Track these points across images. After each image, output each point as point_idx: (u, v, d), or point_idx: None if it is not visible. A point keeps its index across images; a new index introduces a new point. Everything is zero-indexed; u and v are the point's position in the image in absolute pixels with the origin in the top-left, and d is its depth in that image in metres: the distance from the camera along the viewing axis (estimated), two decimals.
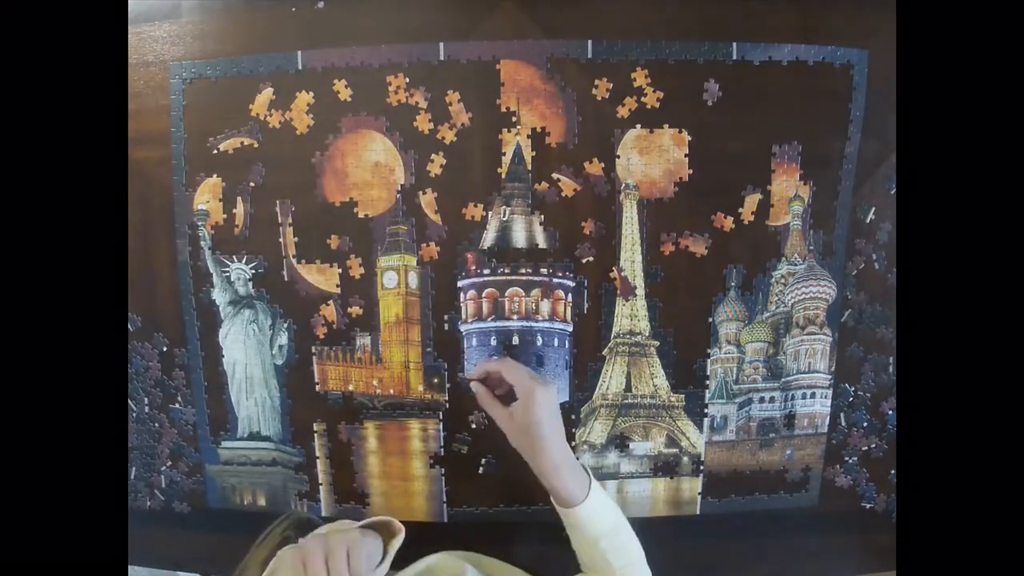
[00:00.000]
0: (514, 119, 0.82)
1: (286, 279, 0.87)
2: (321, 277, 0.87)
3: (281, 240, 0.86)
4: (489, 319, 0.87)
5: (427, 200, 0.84)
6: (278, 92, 0.83)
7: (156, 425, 0.92)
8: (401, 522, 0.67)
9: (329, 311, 0.87)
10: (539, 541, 0.84)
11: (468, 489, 0.90)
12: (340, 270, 0.86)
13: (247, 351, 0.89)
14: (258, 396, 0.90)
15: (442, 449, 0.90)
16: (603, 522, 0.71)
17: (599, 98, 0.82)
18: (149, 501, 0.95)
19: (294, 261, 0.86)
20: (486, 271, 0.85)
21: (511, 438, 0.73)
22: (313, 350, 0.88)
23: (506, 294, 0.86)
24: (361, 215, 0.85)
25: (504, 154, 0.83)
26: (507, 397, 0.74)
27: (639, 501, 0.91)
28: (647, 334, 0.87)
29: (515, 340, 0.87)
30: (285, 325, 0.88)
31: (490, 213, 0.84)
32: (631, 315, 0.87)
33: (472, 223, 0.84)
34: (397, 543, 0.65)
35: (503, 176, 0.83)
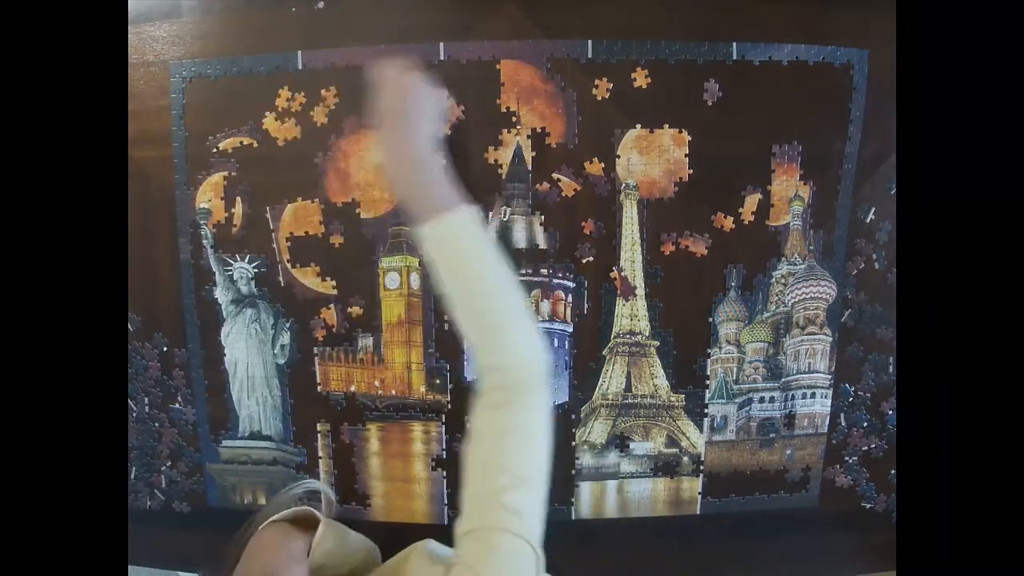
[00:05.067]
0: (514, 119, 0.82)
1: (283, 284, 0.87)
2: (317, 280, 0.87)
3: (275, 246, 0.86)
4: None
5: None
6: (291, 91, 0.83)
7: (156, 425, 0.92)
8: (402, 524, 0.67)
9: (330, 314, 0.87)
10: None
11: None
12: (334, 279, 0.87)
13: (249, 350, 0.89)
14: (259, 395, 0.90)
15: (444, 452, 0.90)
16: (451, 254, 0.62)
17: (599, 98, 0.82)
18: (149, 501, 0.95)
19: (289, 266, 0.86)
20: None
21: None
22: (315, 350, 0.88)
23: None
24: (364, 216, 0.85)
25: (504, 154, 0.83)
26: None
27: (639, 501, 0.91)
28: (647, 334, 0.87)
29: None
30: (287, 325, 0.88)
31: (490, 213, 0.84)
32: (631, 315, 0.87)
33: None
34: (318, 536, 0.64)
35: (503, 176, 0.83)
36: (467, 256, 0.64)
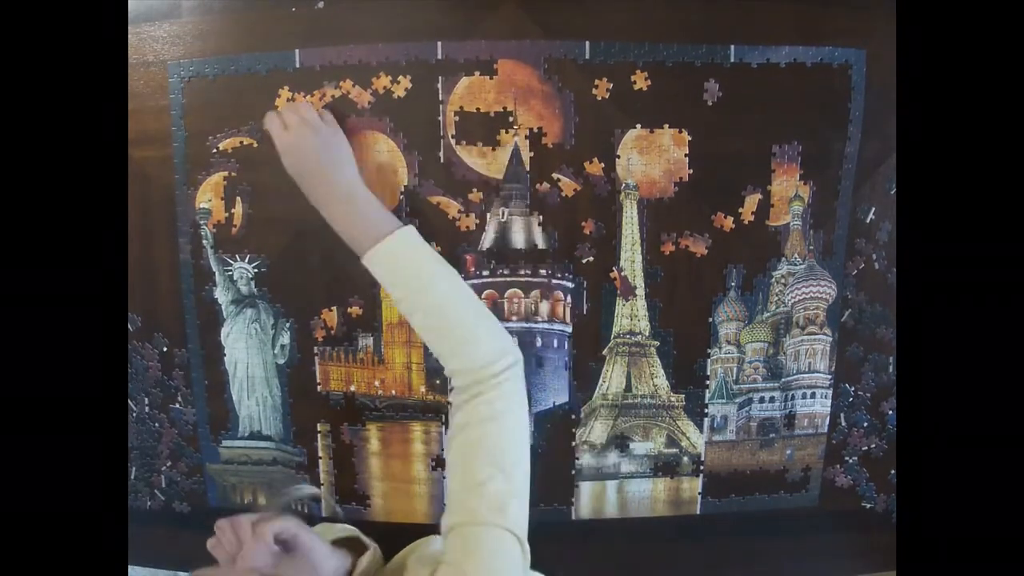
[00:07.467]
0: (511, 119, 0.82)
1: (442, 160, 0.82)
2: (480, 160, 0.83)
3: (440, 119, 0.81)
4: None
5: (428, 200, 0.84)
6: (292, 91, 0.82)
7: (156, 425, 0.92)
8: (402, 524, 0.68)
9: (331, 316, 0.87)
10: (539, 540, 0.84)
11: None
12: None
13: (249, 350, 0.89)
14: (259, 395, 0.90)
15: (444, 452, 0.90)
16: (399, 274, 0.65)
17: (599, 98, 0.82)
18: (149, 501, 0.95)
19: (452, 142, 0.82)
20: (485, 272, 0.85)
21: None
22: (315, 350, 0.88)
23: (505, 295, 0.86)
24: None
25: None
26: None
27: (639, 501, 0.92)
28: (647, 334, 0.87)
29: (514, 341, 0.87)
30: (287, 325, 0.88)
31: (488, 214, 0.84)
32: (631, 315, 0.87)
33: (471, 224, 0.84)
34: (365, 561, 0.65)
35: (501, 177, 0.83)
36: (413, 272, 0.66)
